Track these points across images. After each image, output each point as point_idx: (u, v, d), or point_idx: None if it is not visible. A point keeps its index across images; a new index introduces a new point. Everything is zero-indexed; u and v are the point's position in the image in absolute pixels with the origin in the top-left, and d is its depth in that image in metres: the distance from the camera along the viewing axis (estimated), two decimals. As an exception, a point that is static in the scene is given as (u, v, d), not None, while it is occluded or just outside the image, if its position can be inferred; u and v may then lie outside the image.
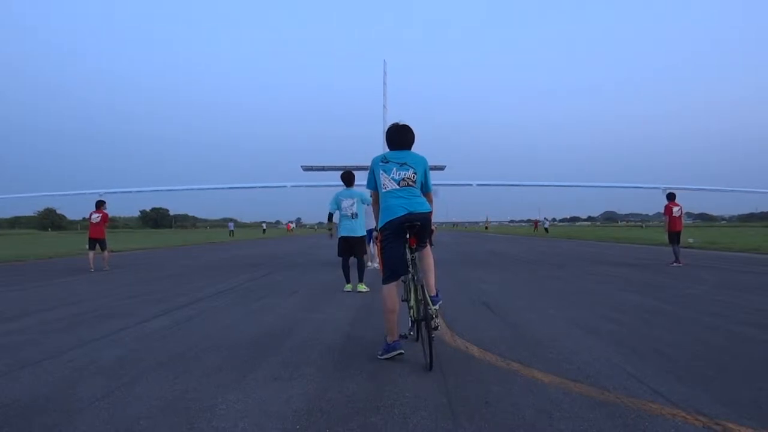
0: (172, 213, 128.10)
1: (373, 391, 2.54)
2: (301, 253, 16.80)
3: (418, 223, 3.15)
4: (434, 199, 3.57)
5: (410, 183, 3.26)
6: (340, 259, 6.63)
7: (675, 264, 9.89)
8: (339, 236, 6.58)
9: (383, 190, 3.30)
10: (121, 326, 4.35)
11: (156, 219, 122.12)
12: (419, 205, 3.23)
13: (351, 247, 6.51)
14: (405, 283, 3.25)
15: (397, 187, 3.25)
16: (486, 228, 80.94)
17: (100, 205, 10.99)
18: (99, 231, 10.64)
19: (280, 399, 2.45)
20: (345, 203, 6.43)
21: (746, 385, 2.57)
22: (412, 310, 3.19)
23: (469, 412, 2.24)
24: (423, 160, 3.38)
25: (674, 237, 10.30)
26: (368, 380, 2.73)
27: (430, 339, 2.95)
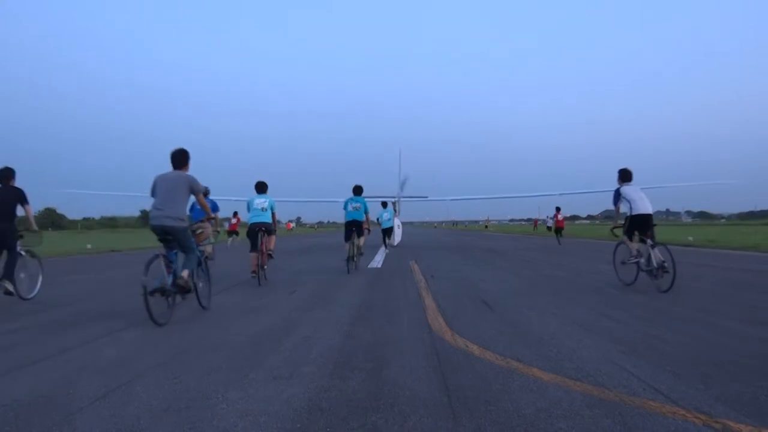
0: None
1: (373, 390, 2.55)
2: (301, 252, 16.82)
3: (359, 223, 9.23)
4: (371, 217, 10.23)
5: (357, 209, 9.25)
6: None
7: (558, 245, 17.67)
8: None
9: (348, 210, 9.31)
10: (121, 326, 4.35)
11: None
12: (360, 217, 9.26)
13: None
14: (349, 245, 8.96)
15: (352, 210, 9.25)
16: (486, 227, 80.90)
17: None
18: None
19: (280, 398, 2.46)
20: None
21: (746, 383, 2.57)
22: (349, 254, 8.86)
23: (469, 411, 2.25)
24: (365, 201, 9.43)
25: (558, 231, 19.46)
26: (368, 379, 2.74)
27: (356, 262, 9.23)
